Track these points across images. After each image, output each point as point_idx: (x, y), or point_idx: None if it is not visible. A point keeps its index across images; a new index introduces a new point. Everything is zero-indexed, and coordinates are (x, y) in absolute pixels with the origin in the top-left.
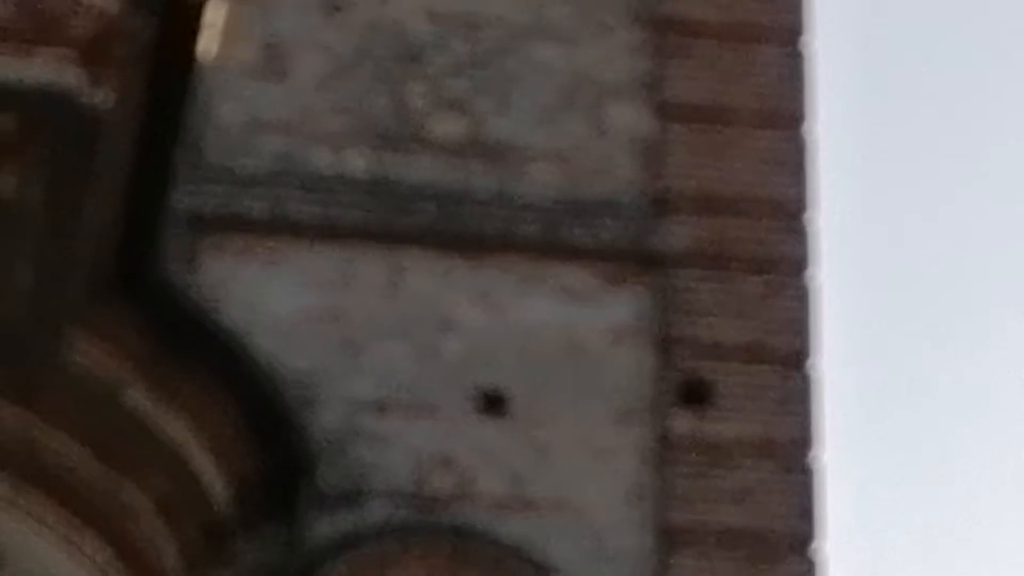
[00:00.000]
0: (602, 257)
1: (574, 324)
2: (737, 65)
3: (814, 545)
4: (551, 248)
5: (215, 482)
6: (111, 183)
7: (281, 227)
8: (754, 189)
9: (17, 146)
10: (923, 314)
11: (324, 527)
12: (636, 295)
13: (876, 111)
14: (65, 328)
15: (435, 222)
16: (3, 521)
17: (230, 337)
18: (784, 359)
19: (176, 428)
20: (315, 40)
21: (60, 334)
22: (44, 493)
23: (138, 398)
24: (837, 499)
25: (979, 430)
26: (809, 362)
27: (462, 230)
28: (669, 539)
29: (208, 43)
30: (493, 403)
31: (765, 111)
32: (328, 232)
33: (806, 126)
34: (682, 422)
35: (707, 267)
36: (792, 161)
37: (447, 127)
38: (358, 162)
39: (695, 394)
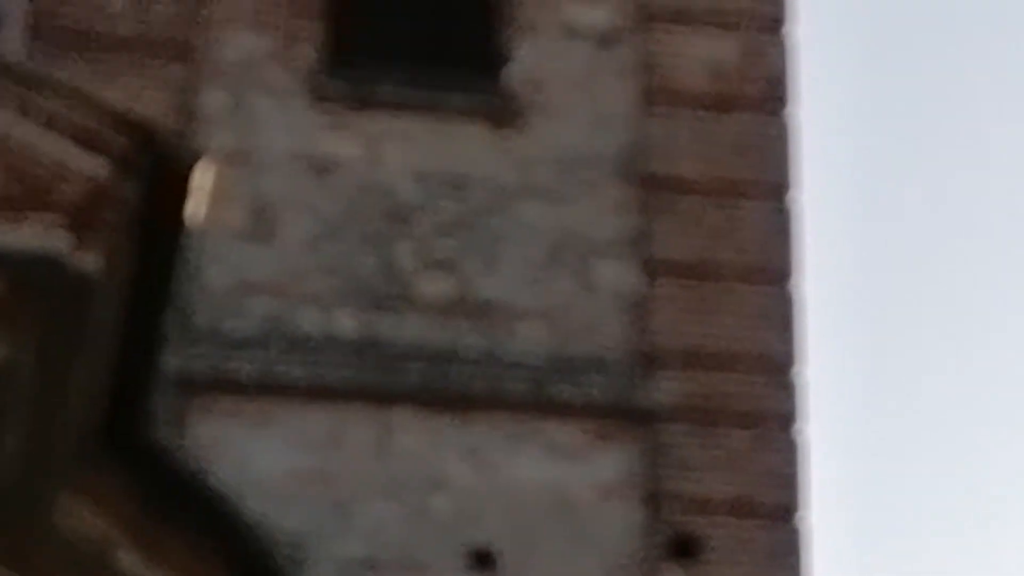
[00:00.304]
0: (590, 414)
1: (563, 481)
2: (724, 221)
3: None
4: (539, 405)
5: None
6: (100, 347)
7: (270, 388)
8: (741, 344)
9: (6, 311)
10: (910, 470)
11: None
12: (625, 451)
13: (864, 263)
14: (55, 491)
15: (424, 381)
16: None
17: (220, 498)
18: (773, 513)
19: None
20: (303, 202)
21: (50, 497)
22: None
23: (129, 560)
24: None
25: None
26: (798, 515)
27: (450, 389)
28: None
29: (196, 207)
30: (483, 561)
31: (752, 266)
32: (317, 392)
33: (793, 281)
34: None
35: (695, 422)
36: (779, 316)
37: (435, 286)
38: (346, 322)
39: (685, 549)
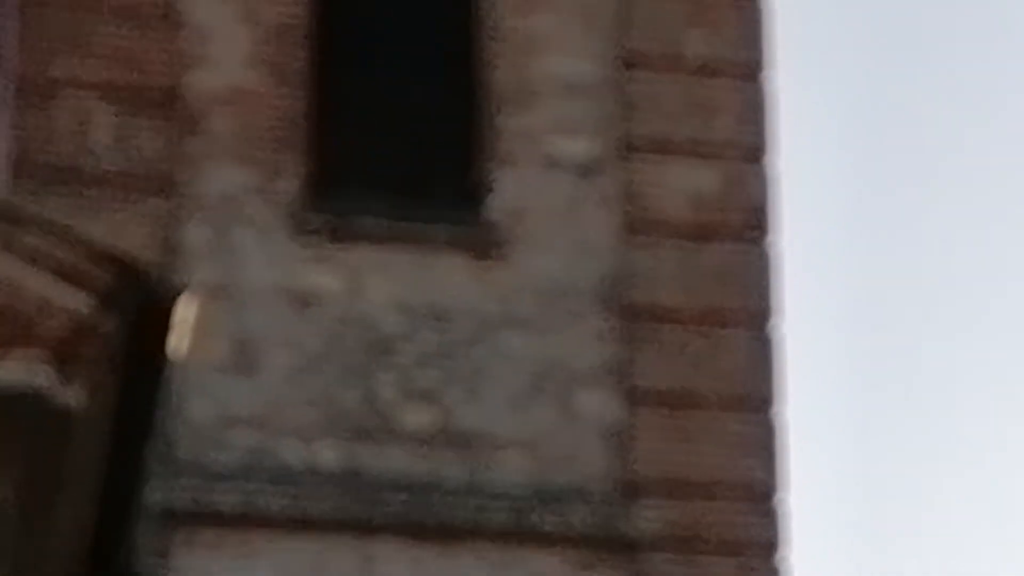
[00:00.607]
0: (573, 543)
1: None
2: (706, 349)
3: None
4: (522, 535)
5: None
6: (84, 480)
7: (253, 520)
8: (724, 472)
9: None
10: None
11: None
12: None
13: (846, 389)
14: None
15: (406, 512)
16: None
17: None
18: None
19: None
20: (285, 335)
21: None
22: None
23: None
24: None
25: None
26: None
27: (433, 519)
28: None
29: (179, 340)
30: None
31: (734, 395)
32: (299, 524)
33: (775, 408)
34: None
35: (678, 551)
36: (761, 444)
37: (417, 417)
38: (328, 454)
39: None
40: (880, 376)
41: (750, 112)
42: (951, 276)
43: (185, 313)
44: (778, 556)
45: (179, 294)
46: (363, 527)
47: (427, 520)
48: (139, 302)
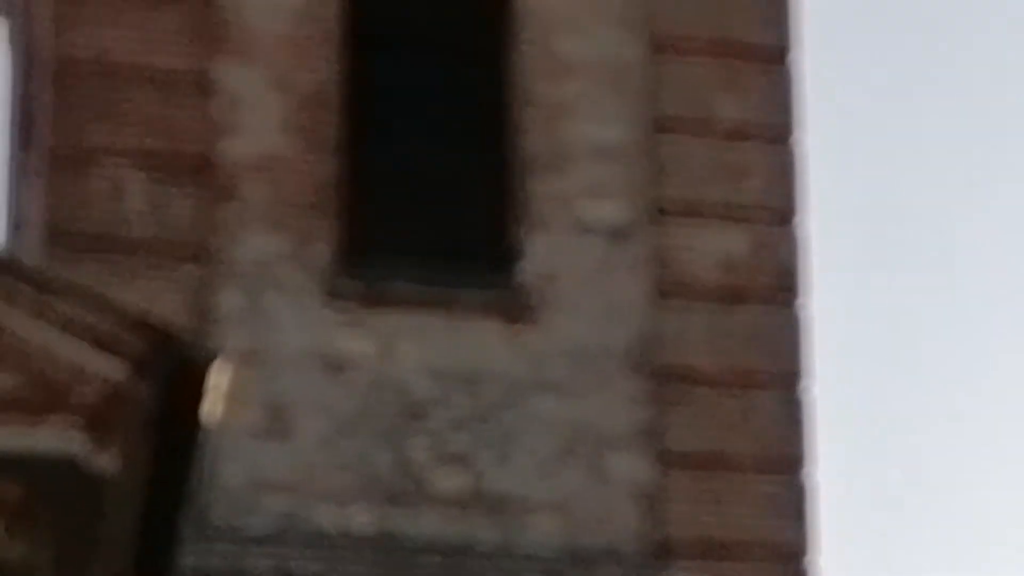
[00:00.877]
0: None
1: None
2: (736, 412)
3: None
4: None
5: None
6: (118, 546)
7: None
8: (755, 534)
9: (25, 513)
10: None
11: None
12: None
13: (874, 448)
14: None
15: (440, 575)
16: None
17: None
18: None
19: None
20: (318, 400)
21: None
22: None
23: None
24: None
25: None
26: None
27: None
28: None
29: (213, 406)
30: None
31: (765, 456)
32: None
33: (806, 470)
34: None
35: None
36: (792, 505)
37: (449, 481)
38: (362, 518)
39: None
40: (911, 436)
41: (780, 175)
42: (984, 331)
43: (218, 379)
44: None
45: (212, 360)
46: None
47: None
48: (172, 368)
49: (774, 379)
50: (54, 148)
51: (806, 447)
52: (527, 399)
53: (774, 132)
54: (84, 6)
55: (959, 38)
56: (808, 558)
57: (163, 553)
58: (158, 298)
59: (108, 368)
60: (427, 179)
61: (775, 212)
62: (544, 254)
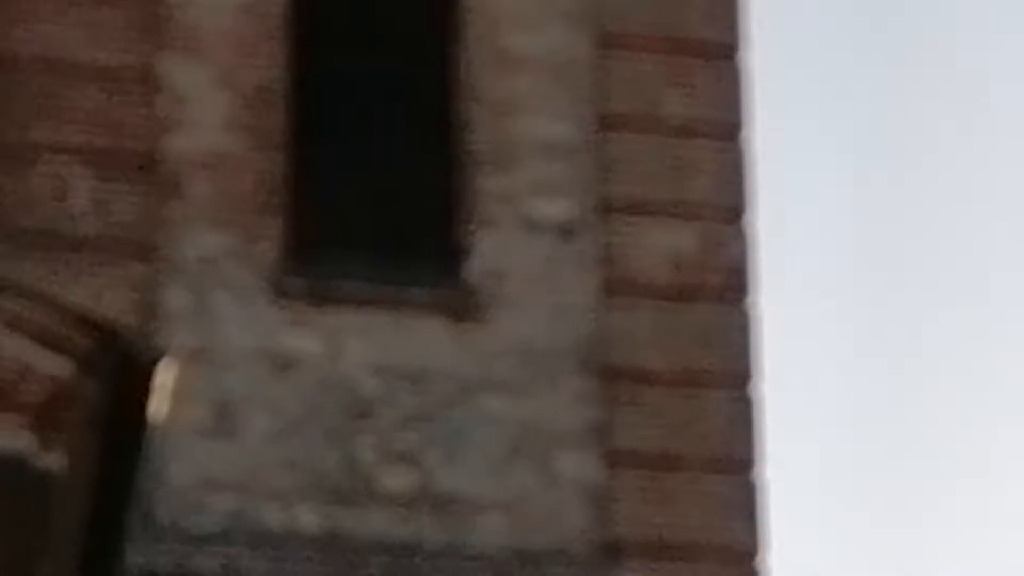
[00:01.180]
0: None
1: None
2: (686, 411)
3: None
4: None
5: None
6: (65, 544)
7: None
8: (705, 534)
9: None
10: None
11: None
12: None
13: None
14: None
15: (387, 575)
16: None
17: None
18: None
19: None
20: (264, 398)
21: None
22: None
23: None
24: None
25: None
26: None
27: None
28: None
29: (159, 404)
30: None
31: (715, 457)
32: None
33: (756, 470)
34: None
35: None
36: (743, 506)
37: (397, 480)
38: (309, 517)
39: None
40: (864, 436)
41: (729, 173)
42: (935, 327)
43: (165, 377)
44: None
45: (159, 358)
46: None
47: None
48: (119, 366)
49: (723, 378)
50: None
51: (756, 447)
52: (475, 398)
53: (723, 129)
54: (27, 3)
55: (908, 33)
56: (759, 558)
57: (110, 552)
58: (104, 296)
59: (54, 366)
60: (374, 176)
61: (724, 210)
62: (492, 252)
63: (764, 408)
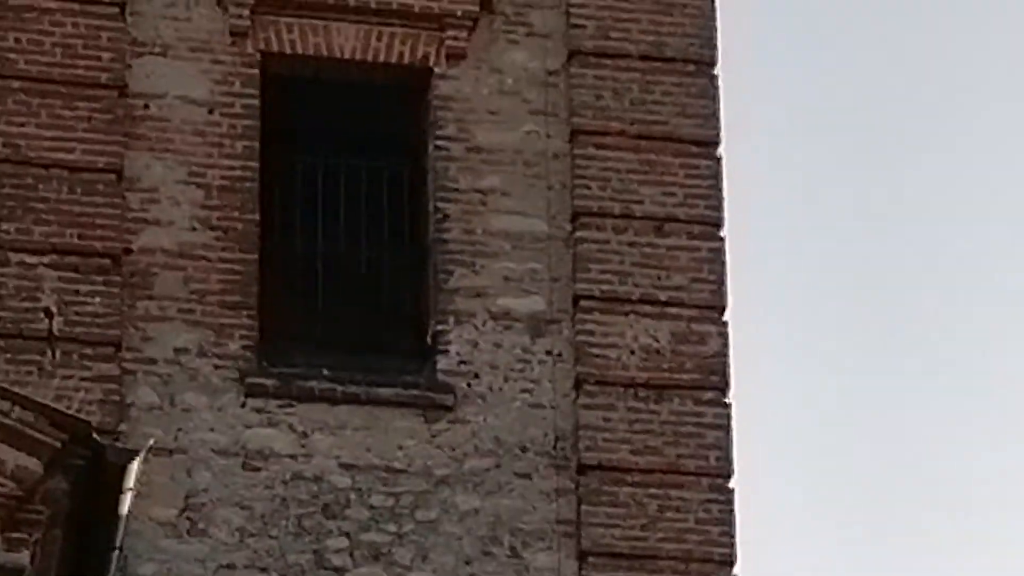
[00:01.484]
0: None
1: None
2: (659, 508)
3: None
4: None
5: None
6: None
7: None
8: None
9: None
10: None
11: None
12: None
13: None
14: None
15: None
16: None
17: None
18: None
19: None
20: (234, 495)
21: None
22: None
23: None
24: None
25: None
26: None
27: None
28: None
29: (128, 502)
30: None
31: (690, 554)
32: None
33: (733, 569)
34: None
35: None
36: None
37: None
38: None
39: None
40: (846, 534)
41: (704, 267)
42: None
43: (134, 475)
44: None
45: (128, 457)
46: None
47: None
48: (88, 464)
49: (698, 475)
50: None
51: (732, 545)
52: (447, 494)
53: (697, 224)
54: None
55: (889, 133)
56: None
57: None
58: (73, 394)
59: (23, 464)
60: (344, 272)
61: (699, 305)
62: (463, 347)
63: (742, 505)
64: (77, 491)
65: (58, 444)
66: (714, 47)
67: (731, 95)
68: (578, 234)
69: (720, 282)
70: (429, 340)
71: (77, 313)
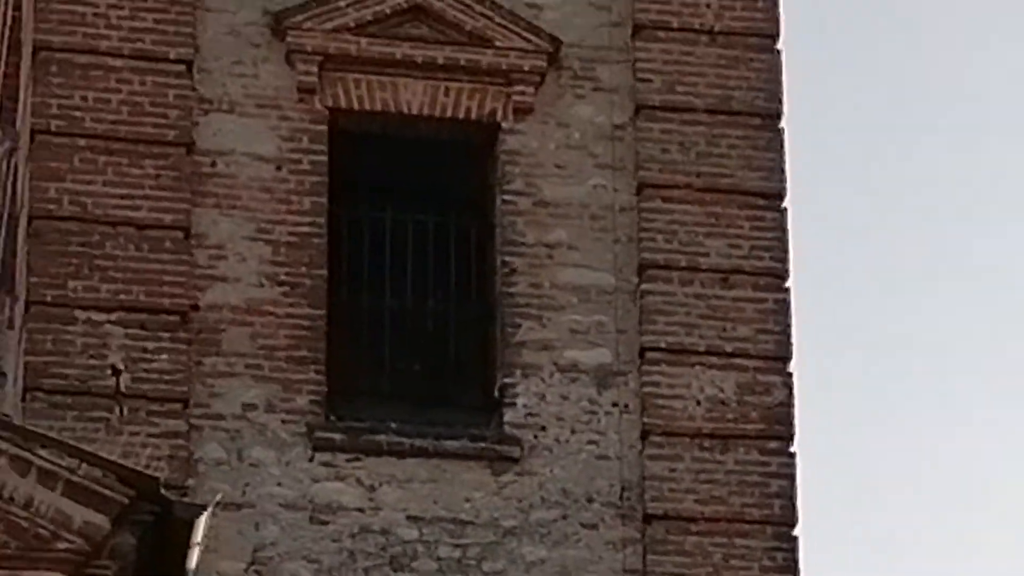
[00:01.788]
0: None
1: None
2: (725, 557)
3: None
4: None
5: None
6: None
7: None
8: None
9: None
10: None
11: None
12: None
13: None
14: None
15: None
16: None
17: None
18: None
19: None
20: (302, 549)
21: None
22: None
23: None
24: None
25: None
26: None
27: None
28: None
29: (196, 558)
30: None
31: None
32: None
33: None
34: None
35: None
36: None
37: None
38: None
39: None
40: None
41: (768, 318)
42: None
43: (202, 529)
44: None
45: (196, 512)
46: None
47: None
48: (155, 521)
49: (764, 524)
50: (30, 300)
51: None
52: (513, 546)
53: (762, 276)
54: (62, 159)
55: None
56: None
57: None
58: (141, 450)
59: (90, 520)
60: (412, 325)
61: (764, 356)
62: (530, 399)
63: (807, 553)
64: (145, 546)
65: (126, 500)
66: (779, 100)
67: (796, 148)
68: (644, 286)
69: (785, 333)
70: (496, 393)
71: (145, 370)
